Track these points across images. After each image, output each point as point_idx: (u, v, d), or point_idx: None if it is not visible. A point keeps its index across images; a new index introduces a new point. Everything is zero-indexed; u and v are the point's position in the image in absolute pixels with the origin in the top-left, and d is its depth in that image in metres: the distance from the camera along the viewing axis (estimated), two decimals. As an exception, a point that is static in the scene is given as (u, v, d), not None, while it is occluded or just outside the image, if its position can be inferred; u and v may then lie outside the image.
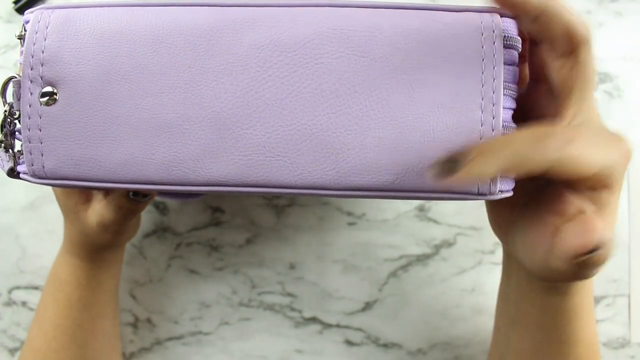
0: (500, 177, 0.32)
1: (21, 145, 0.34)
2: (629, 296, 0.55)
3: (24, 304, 0.58)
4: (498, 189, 0.33)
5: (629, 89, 0.55)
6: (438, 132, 0.32)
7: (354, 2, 0.33)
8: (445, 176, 0.31)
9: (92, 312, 0.50)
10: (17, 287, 0.58)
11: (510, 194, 0.34)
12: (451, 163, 0.30)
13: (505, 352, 0.46)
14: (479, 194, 0.33)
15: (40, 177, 0.34)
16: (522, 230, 0.37)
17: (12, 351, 0.58)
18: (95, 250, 0.48)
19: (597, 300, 0.55)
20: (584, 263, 0.32)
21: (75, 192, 0.45)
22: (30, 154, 0.34)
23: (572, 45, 0.33)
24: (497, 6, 0.33)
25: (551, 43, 0.33)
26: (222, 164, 0.33)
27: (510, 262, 0.44)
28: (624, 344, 0.55)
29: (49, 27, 0.34)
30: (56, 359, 0.49)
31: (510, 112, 0.34)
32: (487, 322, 0.56)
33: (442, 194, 0.33)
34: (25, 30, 0.35)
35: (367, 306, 0.57)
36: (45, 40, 0.34)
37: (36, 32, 0.34)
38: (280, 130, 0.32)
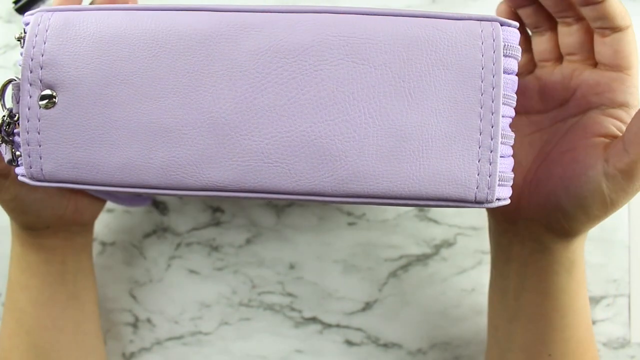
0: None
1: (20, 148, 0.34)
2: (629, 296, 0.55)
3: (24, 304, 0.58)
4: (495, 196, 0.33)
5: (630, 89, 0.55)
6: (436, 140, 0.32)
7: (353, 9, 0.33)
8: None
9: (30, 295, 0.48)
10: (18, 287, 0.58)
11: (508, 201, 0.34)
12: None
13: (507, 348, 0.46)
14: (476, 202, 0.33)
15: (38, 179, 0.34)
16: (551, 178, 0.41)
17: (13, 351, 0.58)
18: (21, 228, 0.47)
19: (597, 300, 0.55)
20: None
21: None
22: (29, 157, 0.34)
23: (626, 21, 0.37)
24: None
25: (610, 20, 0.37)
26: (220, 169, 0.33)
27: (505, 253, 0.46)
28: (624, 344, 0.55)
29: (48, 30, 0.34)
30: (8, 344, 0.48)
31: (509, 121, 0.34)
32: (487, 322, 0.56)
33: (439, 202, 0.33)
34: (25, 32, 0.35)
35: (367, 306, 0.57)
36: (44, 43, 0.34)
37: (36, 35, 0.34)
38: (278, 137, 0.32)
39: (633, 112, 0.39)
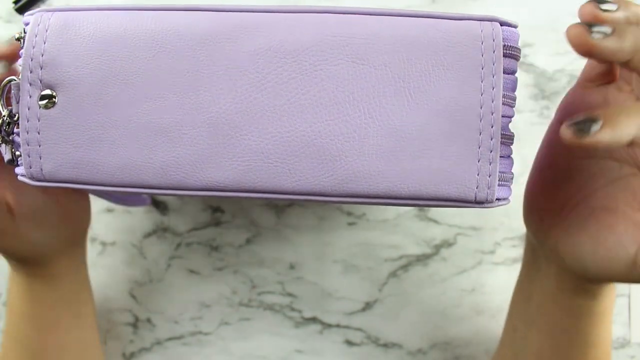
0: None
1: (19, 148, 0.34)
2: (629, 296, 0.55)
3: (24, 304, 0.58)
4: (496, 196, 0.33)
5: (630, 88, 0.55)
6: (436, 140, 0.32)
7: (353, 9, 0.33)
8: (581, 136, 0.28)
9: (36, 324, 0.47)
10: (18, 287, 0.58)
11: (508, 202, 0.34)
12: (588, 123, 0.28)
13: (521, 352, 0.46)
14: (476, 202, 0.33)
15: (38, 179, 0.34)
16: (583, 229, 0.36)
17: (13, 351, 0.58)
18: (17, 260, 0.46)
19: (597, 300, 0.55)
20: None
21: None
22: (29, 157, 0.34)
23: None
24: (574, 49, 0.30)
25: None
26: (220, 170, 0.33)
27: (537, 260, 0.43)
28: (624, 344, 0.55)
29: (48, 30, 0.34)
30: None
31: (509, 121, 0.34)
32: (487, 322, 0.56)
33: (439, 202, 0.33)
34: (24, 32, 0.35)
35: (367, 306, 0.57)
36: (44, 43, 0.33)
37: (36, 35, 0.34)
38: (278, 137, 0.32)
39: None
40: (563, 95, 0.53)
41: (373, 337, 0.57)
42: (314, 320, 0.57)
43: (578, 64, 0.55)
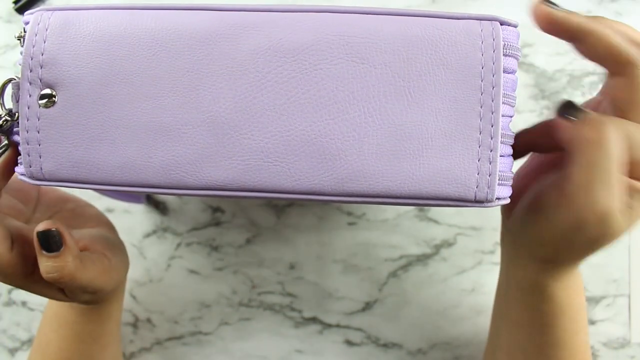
0: None
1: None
2: (629, 296, 0.55)
3: (23, 304, 0.58)
4: (495, 196, 0.33)
5: (630, 88, 0.55)
6: (436, 139, 0.32)
7: (353, 8, 0.33)
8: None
9: (101, 342, 0.49)
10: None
11: (508, 201, 0.34)
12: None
13: (496, 346, 0.47)
14: (475, 201, 0.33)
15: (38, 178, 0.34)
16: (555, 190, 0.37)
17: (12, 351, 0.58)
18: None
19: (597, 300, 0.55)
20: None
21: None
22: (29, 156, 0.34)
23: (619, 67, 0.34)
24: (536, 23, 0.35)
25: (600, 63, 0.35)
26: (220, 169, 0.33)
27: (508, 253, 0.44)
28: (624, 344, 0.55)
29: (48, 30, 0.34)
30: None
31: (509, 120, 0.34)
32: (487, 322, 0.55)
33: (439, 201, 0.33)
34: (24, 32, 0.35)
35: (367, 306, 0.57)
36: (44, 42, 0.33)
37: (35, 34, 0.34)
38: (278, 136, 0.32)
39: None
40: (563, 95, 0.53)
41: (373, 337, 0.57)
42: (314, 320, 0.57)
43: (578, 64, 0.55)
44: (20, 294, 0.58)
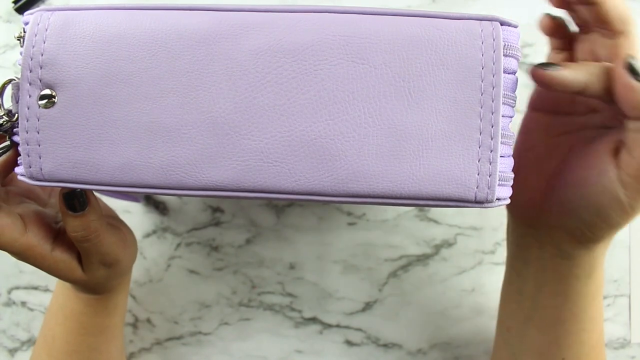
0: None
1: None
2: (629, 296, 0.55)
3: (23, 304, 0.58)
4: (496, 196, 0.33)
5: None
6: (436, 139, 0.32)
7: (353, 8, 0.33)
8: (545, 70, 0.35)
9: (107, 334, 0.49)
10: (17, 287, 0.58)
11: (508, 201, 0.34)
12: (552, 65, 0.35)
13: (519, 350, 0.46)
14: (476, 202, 0.33)
15: (38, 179, 0.34)
16: (569, 185, 0.39)
17: (12, 351, 0.58)
18: (112, 281, 0.46)
19: (597, 300, 0.55)
20: None
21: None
22: (28, 156, 0.34)
23: (624, 26, 0.36)
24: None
25: (607, 23, 0.36)
26: (219, 169, 0.33)
27: (524, 253, 0.44)
28: (624, 344, 0.55)
29: (48, 30, 0.34)
30: None
31: (509, 120, 0.33)
32: (487, 322, 0.55)
33: (439, 202, 0.33)
34: (24, 32, 0.35)
35: (367, 306, 0.57)
36: (44, 42, 0.33)
37: (35, 35, 0.34)
38: (278, 136, 0.32)
39: None
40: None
41: (373, 337, 0.57)
42: (314, 320, 0.57)
43: (578, 64, 0.54)
44: (20, 294, 0.58)
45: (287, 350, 0.57)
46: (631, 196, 0.36)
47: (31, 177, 0.34)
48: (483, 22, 0.33)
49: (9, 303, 0.58)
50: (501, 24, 0.33)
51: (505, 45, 0.32)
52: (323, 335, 0.57)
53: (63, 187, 0.36)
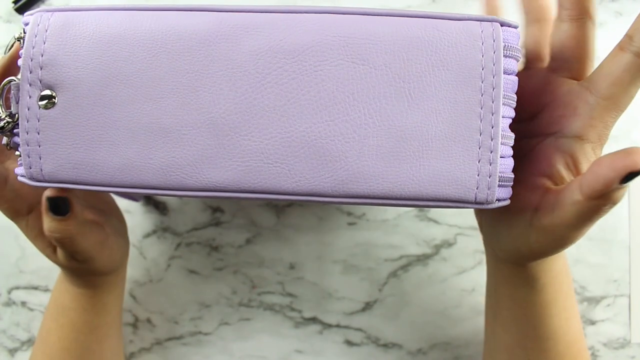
0: None
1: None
2: (629, 296, 0.55)
3: (23, 304, 0.58)
4: (496, 197, 0.33)
5: (630, 88, 0.55)
6: (436, 140, 0.32)
7: (353, 9, 0.33)
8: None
9: (98, 334, 0.49)
10: (17, 287, 0.58)
11: (508, 202, 0.34)
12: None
13: (493, 347, 0.47)
14: (476, 202, 0.33)
15: (38, 180, 0.34)
16: (504, 215, 0.39)
17: (12, 351, 0.58)
18: (92, 276, 0.47)
19: (597, 300, 0.55)
20: (607, 197, 0.32)
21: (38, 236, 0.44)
22: (29, 157, 0.34)
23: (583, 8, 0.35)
24: None
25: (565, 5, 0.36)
26: (219, 170, 0.33)
27: (489, 254, 0.45)
28: (624, 344, 0.55)
29: (48, 31, 0.34)
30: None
31: (509, 121, 0.33)
32: (487, 322, 0.56)
33: (439, 202, 0.33)
34: (24, 32, 0.35)
35: (367, 306, 0.57)
36: (44, 43, 0.33)
37: (35, 35, 0.34)
38: (278, 137, 0.32)
39: (589, 150, 0.35)
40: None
41: (373, 337, 0.57)
42: (314, 320, 0.57)
43: (578, 64, 0.54)
44: (20, 294, 0.58)
45: (287, 350, 0.57)
46: (537, 241, 0.36)
47: (31, 178, 0.34)
48: (483, 22, 0.33)
49: (9, 303, 0.58)
50: (501, 25, 0.33)
51: (505, 46, 0.32)
52: (323, 335, 0.57)
53: (49, 189, 0.37)
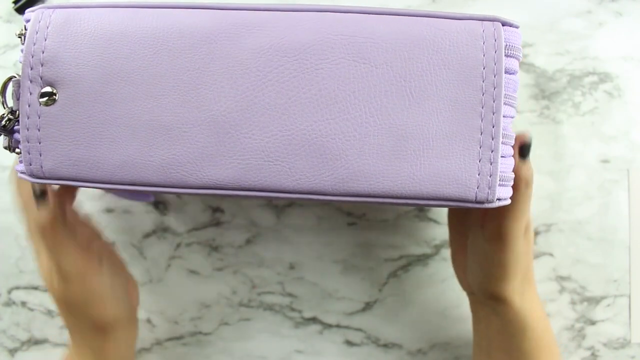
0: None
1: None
2: (629, 296, 0.55)
3: (23, 304, 0.58)
4: (496, 197, 0.33)
5: (629, 89, 0.55)
6: (437, 139, 0.32)
7: (355, 8, 0.33)
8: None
9: None
10: (17, 287, 0.58)
11: (508, 202, 0.34)
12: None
13: None
14: (476, 202, 0.33)
15: (38, 176, 0.34)
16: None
17: (12, 351, 0.58)
18: (96, 333, 0.46)
19: (598, 300, 0.55)
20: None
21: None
22: (29, 154, 0.34)
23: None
24: None
25: None
26: (220, 168, 0.33)
27: (475, 311, 0.50)
28: (624, 344, 0.55)
29: (49, 27, 0.34)
30: None
31: (510, 120, 0.34)
32: (487, 322, 0.55)
33: (439, 201, 0.33)
34: (25, 29, 0.35)
35: (367, 306, 0.56)
36: (45, 40, 0.33)
37: (37, 32, 0.34)
38: (278, 135, 0.32)
39: None
40: (563, 96, 0.53)
41: (373, 337, 0.56)
42: (314, 320, 0.57)
43: (578, 64, 0.55)
44: (20, 294, 0.58)
45: (287, 350, 0.57)
46: (493, 249, 0.42)
47: (31, 175, 0.34)
48: (485, 22, 0.33)
49: (9, 303, 0.58)
50: (503, 25, 0.33)
51: (506, 45, 0.33)
52: (323, 335, 0.57)
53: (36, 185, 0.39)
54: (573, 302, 0.55)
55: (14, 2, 0.57)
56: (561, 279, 0.55)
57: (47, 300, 0.58)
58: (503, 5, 0.55)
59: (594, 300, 0.55)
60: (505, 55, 0.33)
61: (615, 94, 0.55)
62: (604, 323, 0.55)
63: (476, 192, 0.33)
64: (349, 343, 0.57)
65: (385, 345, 0.56)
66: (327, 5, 0.33)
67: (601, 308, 0.55)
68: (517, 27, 0.34)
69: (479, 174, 0.32)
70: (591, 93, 0.54)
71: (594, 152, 0.54)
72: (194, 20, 0.33)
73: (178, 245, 0.57)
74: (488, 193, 0.33)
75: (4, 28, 0.58)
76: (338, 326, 0.57)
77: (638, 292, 0.55)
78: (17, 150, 0.35)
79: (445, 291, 0.56)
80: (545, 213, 0.55)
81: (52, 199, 0.41)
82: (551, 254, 0.55)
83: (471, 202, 0.33)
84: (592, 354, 0.55)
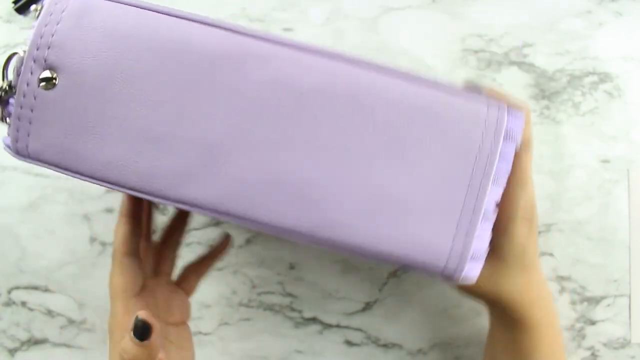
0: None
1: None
2: (629, 296, 0.55)
3: (23, 304, 0.58)
4: (463, 274, 0.33)
5: (629, 89, 0.55)
6: (419, 205, 0.33)
7: (367, 60, 0.33)
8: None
9: None
10: (17, 287, 0.58)
11: (473, 281, 0.35)
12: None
13: None
14: (443, 274, 0.33)
15: (22, 155, 0.34)
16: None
17: (12, 351, 0.58)
18: None
19: (598, 300, 0.55)
20: None
21: None
22: (17, 131, 0.34)
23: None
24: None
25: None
26: (200, 188, 0.33)
27: (491, 324, 0.49)
28: (624, 344, 0.55)
29: (64, 12, 0.33)
30: None
31: (496, 199, 0.34)
32: (487, 322, 0.55)
33: (409, 264, 0.33)
34: (42, 7, 0.34)
35: (367, 306, 0.56)
36: (57, 24, 0.33)
37: (51, 14, 0.33)
38: (265, 169, 0.32)
39: None
40: (563, 96, 0.53)
41: (373, 337, 0.56)
42: (314, 320, 0.57)
43: (578, 64, 0.55)
44: (20, 294, 0.58)
45: (287, 350, 0.57)
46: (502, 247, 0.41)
47: (16, 152, 0.34)
48: (490, 105, 0.33)
49: (9, 303, 0.58)
50: (508, 111, 0.33)
51: (507, 130, 0.33)
52: (323, 335, 0.57)
53: (143, 311, 0.37)
54: (573, 302, 0.55)
55: (14, 2, 0.57)
56: (561, 279, 0.55)
57: (47, 300, 0.58)
58: (503, 5, 0.55)
59: (594, 300, 0.55)
60: (503, 139, 0.33)
61: (615, 94, 0.55)
62: (604, 323, 0.55)
63: (445, 265, 0.33)
64: (349, 343, 0.57)
65: (385, 345, 0.56)
66: (338, 52, 0.33)
67: (601, 308, 0.55)
68: (522, 115, 0.34)
69: (451, 249, 0.33)
70: (591, 93, 0.54)
71: (594, 152, 0.54)
72: (206, 39, 0.33)
73: (178, 245, 0.57)
74: (456, 269, 0.33)
75: (4, 28, 0.58)
76: (338, 326, 0.57)
77: (638, 292, 0.55)
78: (7, 121, 0.35)
79: (446, 291, 0.56)
80: (546, 213, 0.55)
81: (155, 340, 0.39)
82: (551, 254, 0.55)
83: (438, 273, 0.33)
84: (592, 354, 0.55)
